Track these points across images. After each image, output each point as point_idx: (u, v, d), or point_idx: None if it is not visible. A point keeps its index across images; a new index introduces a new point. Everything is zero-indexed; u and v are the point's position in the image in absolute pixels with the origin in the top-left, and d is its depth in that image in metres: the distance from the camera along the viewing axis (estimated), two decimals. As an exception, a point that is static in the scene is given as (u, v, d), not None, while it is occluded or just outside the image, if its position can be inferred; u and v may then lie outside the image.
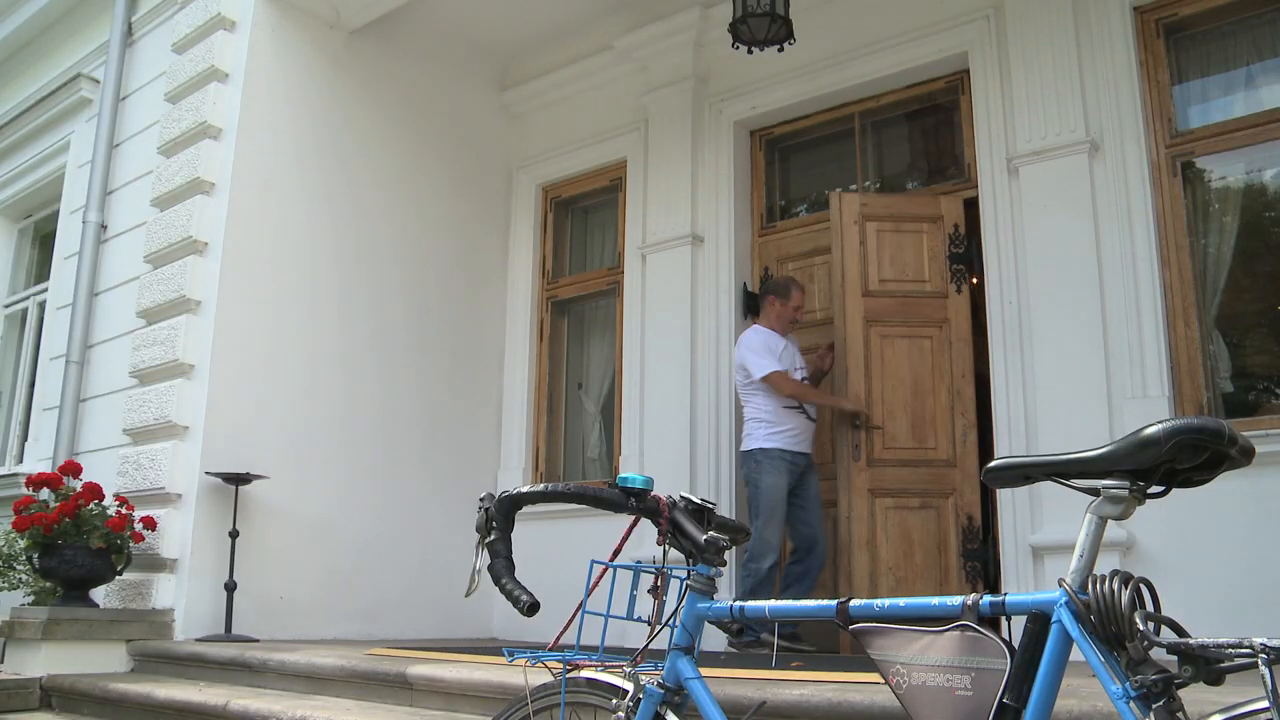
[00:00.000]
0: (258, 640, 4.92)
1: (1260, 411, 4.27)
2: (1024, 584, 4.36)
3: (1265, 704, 1.06)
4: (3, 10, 7.59)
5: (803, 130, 5.88)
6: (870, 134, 5.67)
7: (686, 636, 1.67)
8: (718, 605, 1.66)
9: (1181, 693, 1.18)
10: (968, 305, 4.89)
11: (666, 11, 6.09)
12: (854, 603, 1.48)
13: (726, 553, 1.69)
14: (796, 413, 4.97)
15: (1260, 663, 1.07)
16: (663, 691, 1.65)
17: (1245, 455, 1.26)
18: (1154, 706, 1.16)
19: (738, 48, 5.18)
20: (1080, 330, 4.42)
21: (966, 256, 5.03)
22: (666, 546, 1.68)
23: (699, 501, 1.71)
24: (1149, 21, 4.63)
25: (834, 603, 1.49)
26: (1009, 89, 4.87)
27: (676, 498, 1.71)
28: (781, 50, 5.18)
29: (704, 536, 1.65)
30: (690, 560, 1.69)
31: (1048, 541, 4.28)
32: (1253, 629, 1.18)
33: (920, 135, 5.64)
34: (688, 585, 1.68)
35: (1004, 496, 4.55)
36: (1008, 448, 4.55)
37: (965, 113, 5.18)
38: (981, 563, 4.71)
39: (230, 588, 4.92)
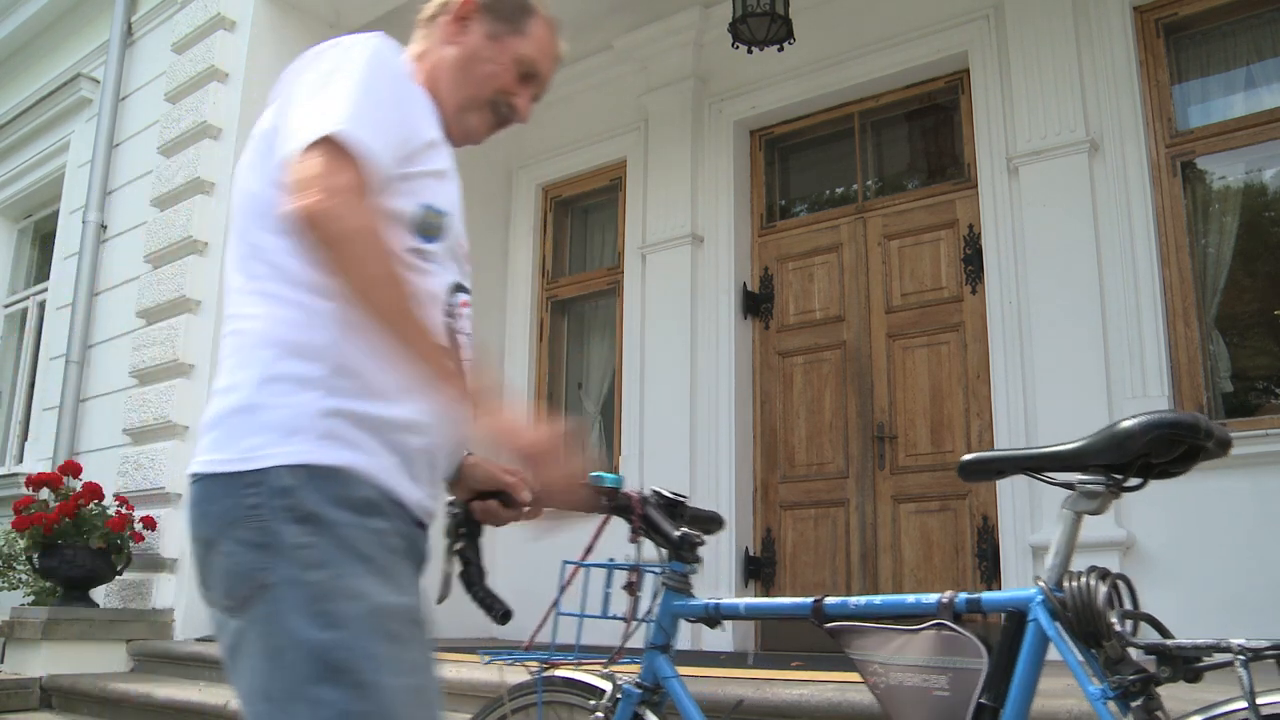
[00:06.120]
0: (258, 640, 4.91)
1: (1260, 411, 4.26)
2: (1024, 583, 4.36)
3: (1243, 704, 1.06)
4: (3, 10, 7.59)
5: (803, 130, 5.88)
6: (870, 134, 5.67)
7: (663, 635, 1.66)
8: (694, 603, 1.64)
9: (1161, 689, 1.17)
10: (983, 304, 4.88)
11: (666, 11, 6.08)
12: (829, 600, 1.46)
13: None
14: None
15: (1237, 664, 1.07)
16: (641, 691, 1.64)
17: (1222, 447, 1.25)
18: (1133, 706, 1.15)
19: (738, 48, 5.18)
20: (1080, 330, 4.42)
21: (979, 256, 5.01)
22: (640, 544, 1.66)
23: (671, 495, 1.68)
24: (1149, 21, 4.63)
25: (810, 600, 1.48)
26: (1009, 89, 4.87)
27: (648, 493, 1.68)
28: (781, 50, 5.18)
29: (677, 533, 1.63)
30: (667, 555, 1.67)
31: (1048, 540, 4.27)
32: (1254, 629, 1.18)
33: (920, 135, 5.64)
34: (663, 583, 1.65)
35: (1004, 496, 4.55)
36: (1007, 447, 4.55)
37: (965, 112, 5.18)
38: (993, 562, 4.70)
39: (230, 588, 4.92)
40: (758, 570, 5.40)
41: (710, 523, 1.74)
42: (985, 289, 4.86)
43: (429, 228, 1.35)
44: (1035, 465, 1.34)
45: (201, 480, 1.23)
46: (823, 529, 5.29)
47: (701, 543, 1.66)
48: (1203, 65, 4.63)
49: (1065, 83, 4.66)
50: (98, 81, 6.71)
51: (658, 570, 1.67)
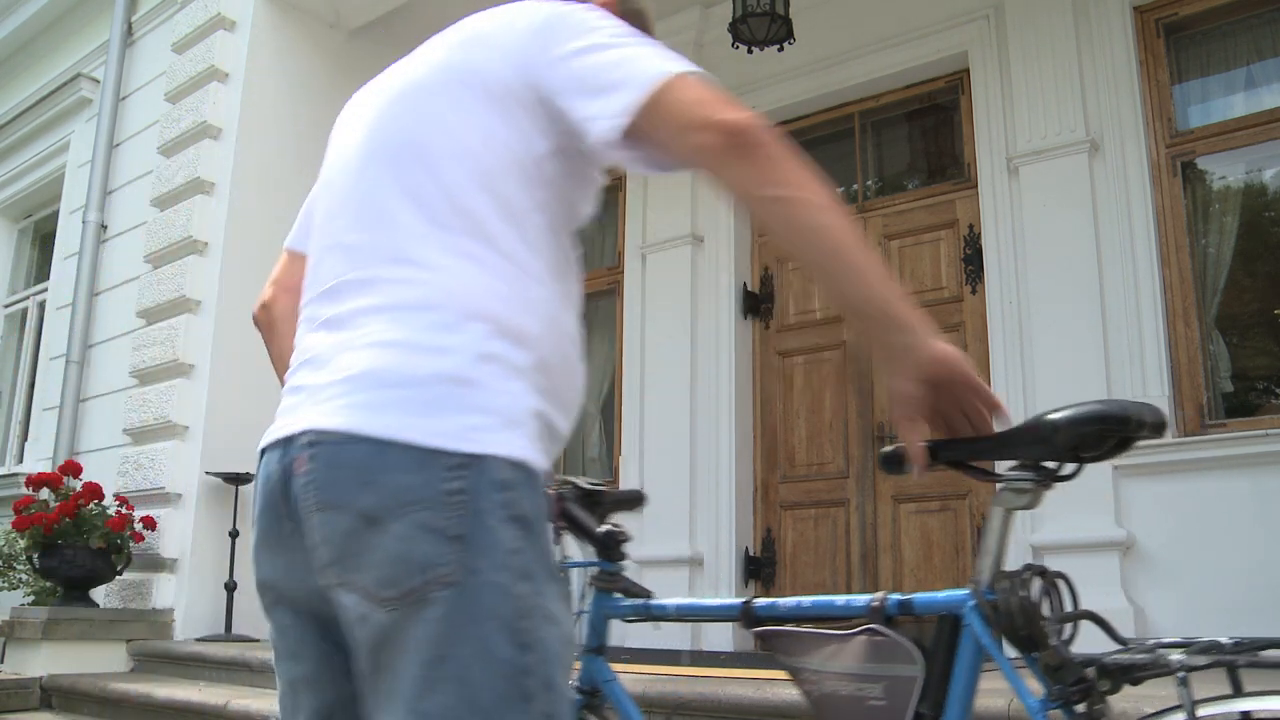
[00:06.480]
0: (258, 640, 4.91)
1: (1260, 411, 4.26)
2: (1024, 584, 4.36)
3: (1183, 716, 1.05)
4: (3, 10, 7.59)
5: (802, 130, 5.87)
6: (870, 134, 5.67)
7: (596, 637, 1.61)
8: (625, 602, 1.59)
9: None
10: (983, 304, 4.88)
11: (666, 11, 6.08)
12: (758, 602, 1.40)
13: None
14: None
15: (1176, 680, 1.04)
16: (581, 696, 1.61)
17: (1156, 431, 1.18)
18: (1077, 712, 1.11)
19: (738, 48, 5.18)
20: (1080, 330, 4.42)
21: (979, 256, 5.00)
22: (561, 542, 1.60)
23: (588, 486, 1.63)
24: (1149, 21, 4.63)
25: (739, 602, 1.42)
26: (1009, 89, 4.87)
27: (564, 487, 1.62)
28: (781, 50, 5.18)
29: (600, 529, 1.58)
30: (594, 552, 1.62)
31: (1047, 541, 4.27)
32: (1254, 629, 1.17)
33: (920, 135, 5.64)
34: (590, 583, 1.60)
35: (1004, 496, 4.55)
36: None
37: (965, 112, 5.18)
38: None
39: (230, 587, 4.92)
40: (758, 570, 5.41)
41: (633, 502, 1.69)
42: (985, 289, 4.86)
43: (580, 234, 1.23)
44: (956, 456, 1.26)
45: (376, 444, 1.00)
46: (823, 529, 5.29)
47: (628, 539, 1.60)
48: (1203, 65, 4.63)
49: (1065, 83, 4.67)
50: (98, 81, 6.72)
51: (584, 565, 1.62)
